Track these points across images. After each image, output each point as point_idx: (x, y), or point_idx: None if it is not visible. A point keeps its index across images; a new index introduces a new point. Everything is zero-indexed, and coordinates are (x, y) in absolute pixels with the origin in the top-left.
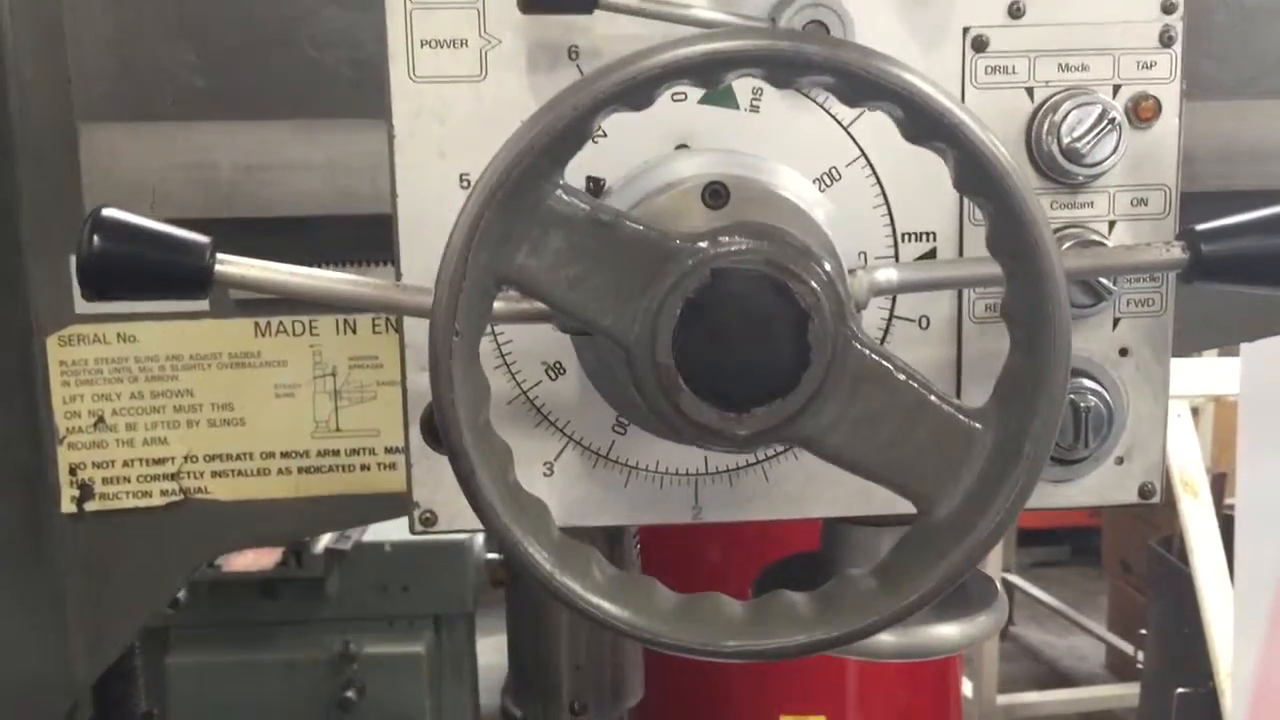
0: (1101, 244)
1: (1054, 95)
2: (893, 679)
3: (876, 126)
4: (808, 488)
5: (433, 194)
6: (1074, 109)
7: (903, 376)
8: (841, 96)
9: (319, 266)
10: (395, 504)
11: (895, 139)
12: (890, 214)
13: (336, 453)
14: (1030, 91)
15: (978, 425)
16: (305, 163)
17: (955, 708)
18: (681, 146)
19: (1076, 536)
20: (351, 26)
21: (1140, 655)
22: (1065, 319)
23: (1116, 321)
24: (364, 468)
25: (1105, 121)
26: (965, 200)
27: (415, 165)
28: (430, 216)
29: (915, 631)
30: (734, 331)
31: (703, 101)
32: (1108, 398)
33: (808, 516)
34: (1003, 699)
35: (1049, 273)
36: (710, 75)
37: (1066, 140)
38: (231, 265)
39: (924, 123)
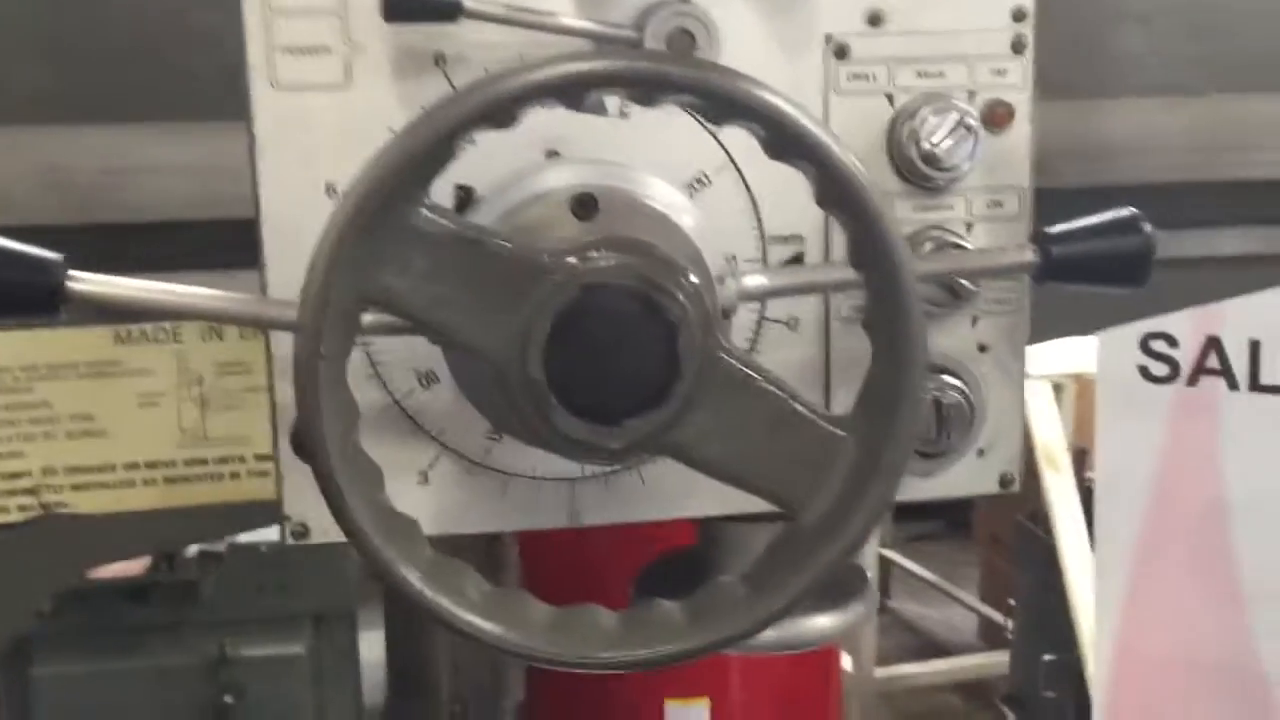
0: (961, 245)
1: (912, 101)
2: (775, 659)
3: (744, 133)
4: (683, 487)
5: (298, 203)
6: (931, 115)
7: (770, 386)
8: (706, 115)
9: (184, 271)
10: (267, 511)
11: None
12: (758, 218)
13: (204, 461)
14: (890, 98)
15: (842, 433)
16: (168, 166)
17: (835, 683)
18: (552, 153)
19: (949, 511)
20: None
21: (1010, 624)
22: (921, 332)
23: (975, 319)
24: (234, 475)
25: (961, 127)
26: None
27: (279, 174)
28: (296, 226)
29: (790, 624)
30: (604, 346)
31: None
32: (968, 393)
33: (684, 516)
34: (880, 672)
35: (905, 290)
36: (573, 95)
37: (925, 145)
38: (86, 283)
39: (786, 142)
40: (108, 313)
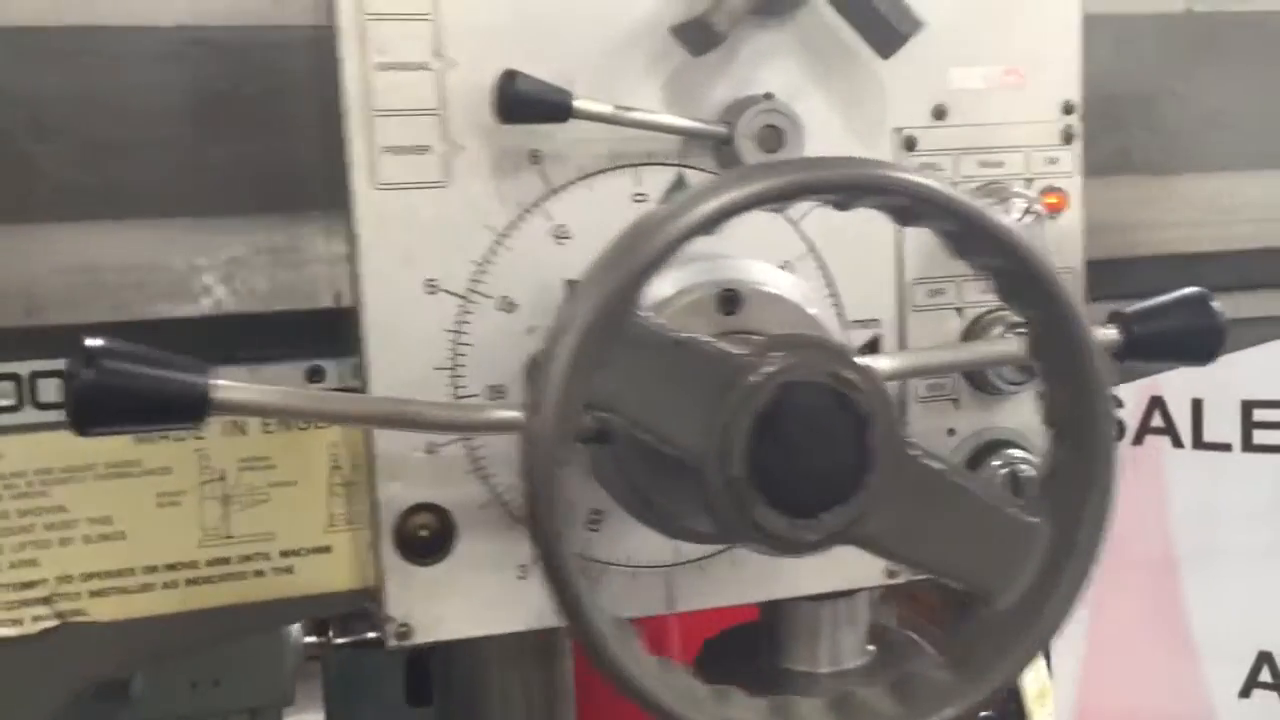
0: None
1: (977, 189)
2: None
3: (818, 220)
4: (771, 569)
5: (399, 300)
6: (998, 203)
7: (955, 477)
8: (902, 218)
9: None
10: (291, 609)
11: (835, 231)
12: (838, 303)
13: (227, 560)
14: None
15: (1033, 519)
16: None
17: None
18: None
19: None
20: None
21: None
22: (1111, 422)
23: (1040, 395)
24: (258, 574)
25: (1029, 214)
26: (903, 288)
27: (381, 271)
28: (397, 322)
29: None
30: (800, 442)
31: (665, 201)
32: (1035, 463)
33: (772, 598)
34: None
35: (1097, 382)
36: (787, 202)
37: None
38: (231, 391)
39: (980, 242)
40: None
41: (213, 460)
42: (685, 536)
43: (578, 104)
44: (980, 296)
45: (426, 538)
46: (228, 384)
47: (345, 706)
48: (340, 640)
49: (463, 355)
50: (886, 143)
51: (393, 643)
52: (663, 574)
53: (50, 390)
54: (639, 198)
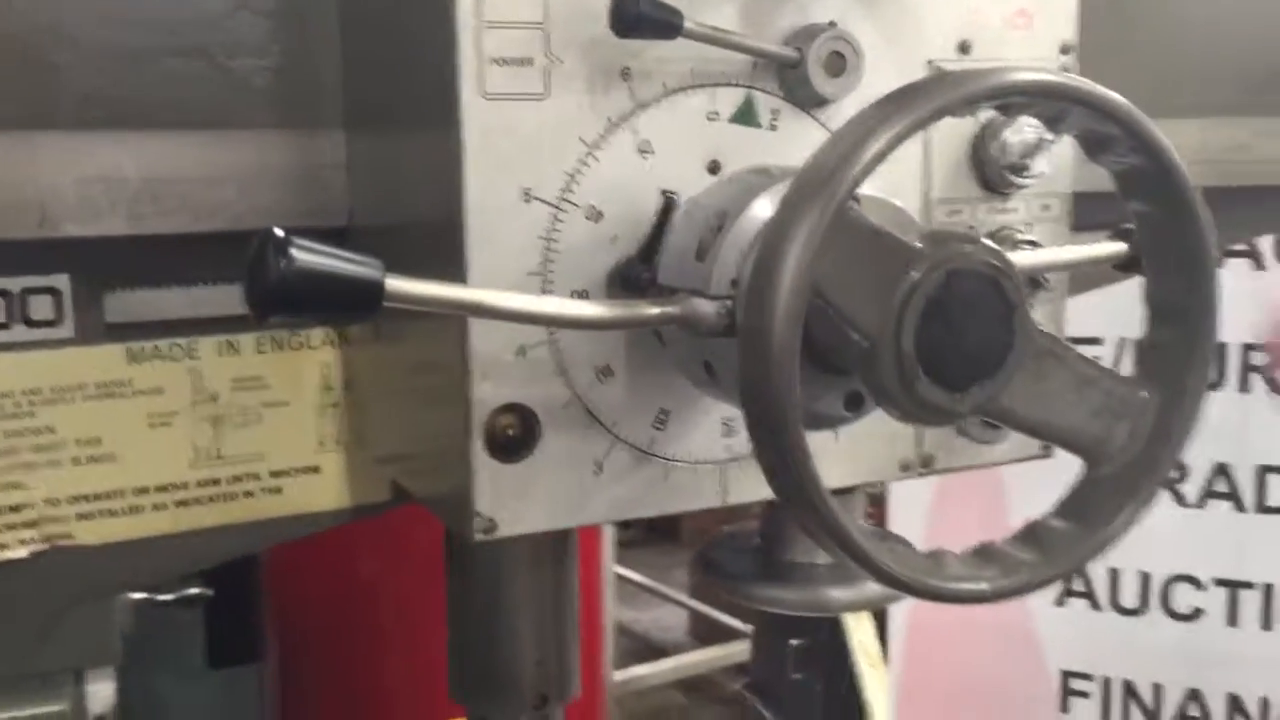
0: (1031, 242)
1: (993, 120)
2: None
3: None
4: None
5: (498, 207)
6: (1015, 132)
7: (1075, 358)
8: (1053, 124)
9: None
10: (279, 529)
11: None
12: None
13: (217, 481)
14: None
15: (1143, 393)
16: None
17: (600, 690)
18: (715, 164)
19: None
20: None
21: (724, 618)
22: (1217, 306)
23: (1033, 305)
24: (248, 494)
25: (1043, 141)
26: (928, 206)
27: (483, 180)
28: (496, 228)
29: (864, 587)
30: (960, 323)
31: (732, 120)
32: None
33: None
34: (618, 675)
35: (1212, 269)
36: (1015, 107)
37: (1014, 158)
38: (406, 285)
39: (1127, 143)
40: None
41: (206, 380)
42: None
43: (686, 24)
44: (988, 216)
45: (513, 436)
46: (401, 278)
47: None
48: (164, 598)
49: (552, 261)
50: (920, 72)
51: (479, 536)
52: (718, 470)
53: (44, 307)
54: (712, 115)
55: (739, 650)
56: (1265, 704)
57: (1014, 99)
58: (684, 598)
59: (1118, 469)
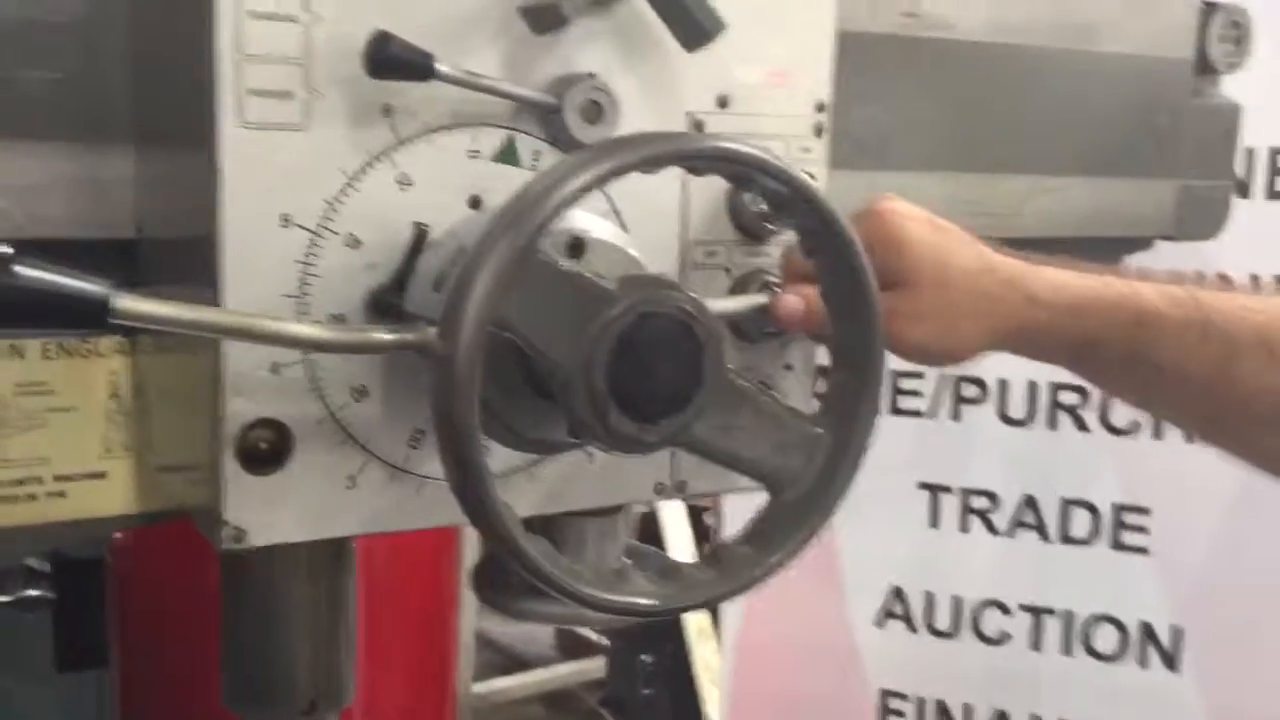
0: (774, 286)
1: None
2: (397, 680)
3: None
4: (561, 486)
5: (256, 232)
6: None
7: (760, 395)
8: (739, 182)
9: None
10: (63, 532)
11: (630, 194)
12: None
13: None
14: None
15: (819, 430)
16: None
17: (452, 702)
18: (476, 200)
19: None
20: None
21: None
22: (883, 357)
23: (784, 344)
24: (30, 497)
25: None
26: (685, 247)
27: (240, 205)
28: (253, 252)
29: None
30: (650, 361)
31: (494, 159)
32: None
33: (561, 509)
34: (478, 687)
35: (876, 319)
36: (690, 166)
37: (765, 206)
38: (135, 303)
39: (797, 206)
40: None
41: None
42: (528, 447)
43: (438, 67)
44: (743, 260)
45: (265, 450)
46: (133, 297)
47: None
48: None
49: (309, 285)
50: (680, 124)
51: (228, 545)
52: None
53: None
54: (473, 154)
55: (602, 665)
56: None
57: (697, 162)
58: None
59: (796, 498)
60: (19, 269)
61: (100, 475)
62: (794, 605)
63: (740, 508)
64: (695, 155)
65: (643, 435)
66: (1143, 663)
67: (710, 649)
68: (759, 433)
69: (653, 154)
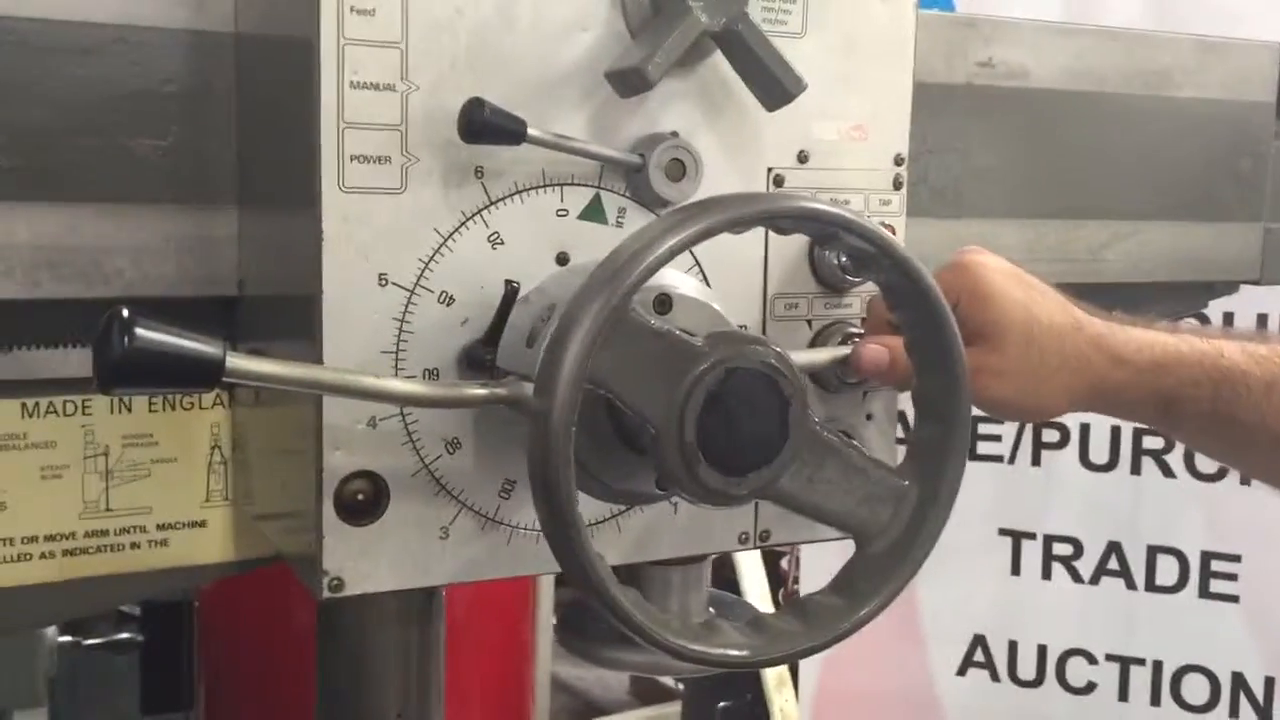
0: (855, 337)
1: None
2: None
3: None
4: (645, 534)
5: (354, 291)
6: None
7: (847, 448)
8: (822, 240)
9: None
10: (165, 579)
11: (713, 250)
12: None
13: (105, 533)
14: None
15: (905, 482)
16: None
17: None
18: (563, 256)
19: None
20: None
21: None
22: (969, 404)
23: (865, 394)
24: (134, 546)
25: None
26: (766, 301)
27: (341, 265)
28: (351, 310)
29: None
30: (737, 415)
31: (580, 217)
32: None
33: (647, 559)
34: None
35: (963, 373)
36: (784, 227)
37: (845, 258)
38: (245, 362)
39: (882, 261)
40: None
41: (97, 436)
42: (617, 499)
43: (531, 132)
44: (824, 311)
45: (362, 501)
46: (243, 356)
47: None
48: (90, 642)
49: (405, 341)
50: (761, 180)
51: (326, 594)
52: None
53: None
54: (561, 212)
55: (676, 712)
56: None
57: (782, 222)
58: None
59: (883, 549)
60: (140, 330)
61: (200, 524)
62: (874, 654)
63: (818, 552)
64: (781, 215)
65: (730, 489)
66: (1235, 713)
67: (788, 697)
68: (845, 485)
69: (740, 215)
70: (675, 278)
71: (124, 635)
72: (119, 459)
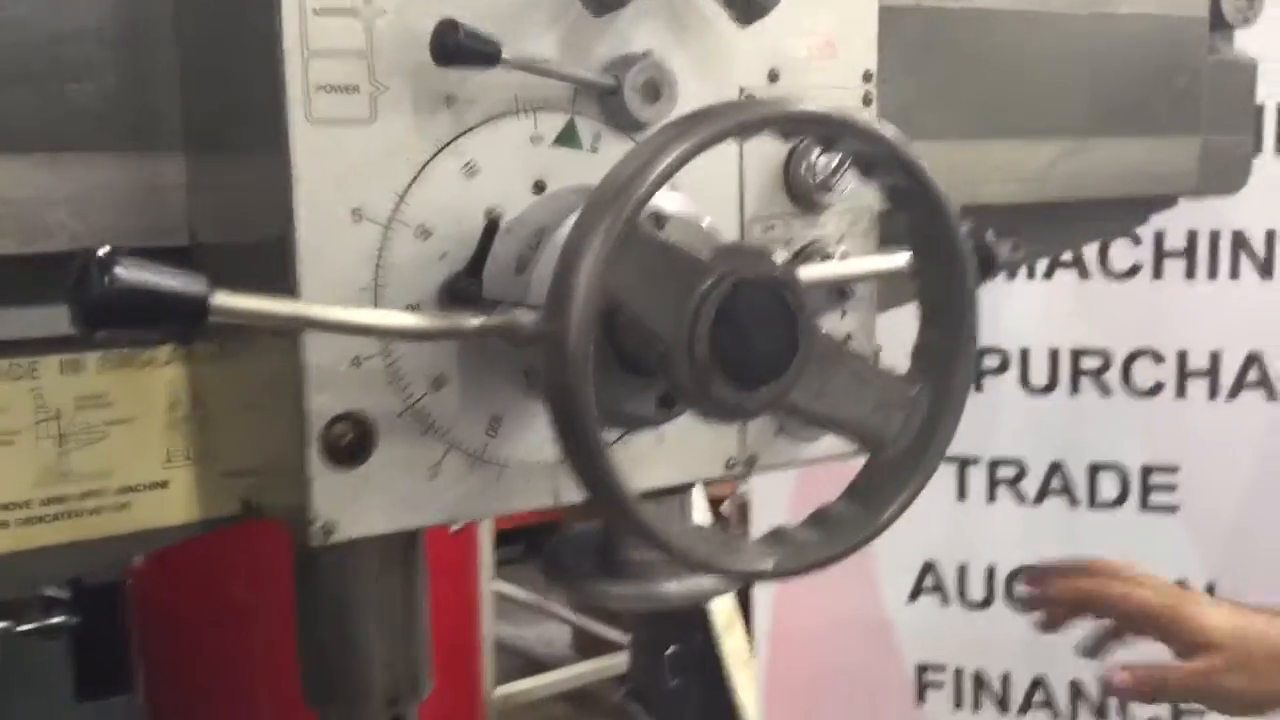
0: (831, 257)
1: (803, 141)
2: None
3: None
4: (634, 466)
5: (328, 228)
6: (821, 154)
7: (856, 359)
8: (826, 144)
9: None
10: (127, 544)
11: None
12: None
13: (63, 499)
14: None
15: (915, 388)
16: None
17: (480, 705)
18: (540, 184)
19: (530, 534)
20: None
21: (609, 632)
22: (975, 305)
23: (844, 314)
24: (94, 511)
25: (847, 163)
26: (743, 224)
27: (313, 201)
28: (326, 249)
29: (696, 580)
30: (747, 328)
31: (555, 143)
32: None
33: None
34: (501, 689)
35: (969, 273)
36: (791, 132)
37: (821, 177)
38: (227, 298)
39: (887, 164)
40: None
41: (47, 399)
42: (614, 422)
43: (504, 55)
44: (802, 232)
45: (349, 444)
46: (228, 294)
47: (6, 699)
48: (23, 628)
49: (384, 278)
50: (733, 98)
51: (319, 540)
52: (549, 472)
53: None
54: (536, 139)
55: (621, 662)
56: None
57: (788, 125)
58: (566, 612)
59: (895, 457)
60: (120, 270)
61: (163, 485)
62: (825, 588)
63: (771, 495)
64: (789, 119)
65: (744, 402)
66: None
67: (738, 636)
68: (855, 394)
69: (751, 118)
70: (667, 197)
71: (56, 619)
72: (72, 421)
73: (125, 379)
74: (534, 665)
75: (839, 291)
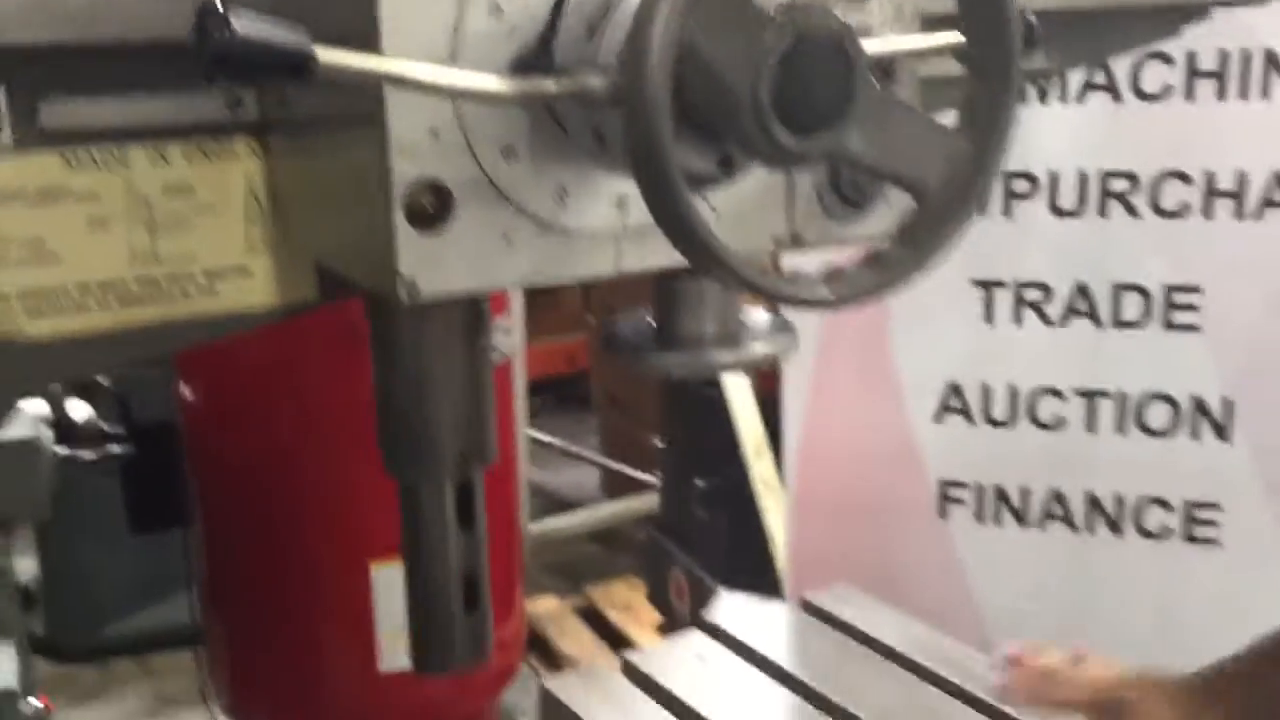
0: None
1: None
2: None
3: None
4: None
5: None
6: None
7: (909, 109)
8: None
9: None
10: (213, 325)
11: None
12: None
13: (155, 281)
14: None
15: (959, 135)
16: None
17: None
18: None
19: (558, 386)
20: None
21: (637, 474)
22: (1019, 65)
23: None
24: (184, 294)
25: None
26: None
27: None
28: (407, 20)
29: (744, 348)
30: (809, 76)
31: None
32: None
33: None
34: (533, 527)
35: (1014, 28)
36: None
37: None
38: (331, 54)
39: None
40: (55, 135)
41: (138, 187)
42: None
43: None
44: (846, 16)
45: (430, 210)
46: (328, 48)
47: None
48: (87, 455)
49: (458, 53)
50: None
51: (404, 298)
52: (612, 241)
53: None
54: None
55: (649, 502)
56: (1119, 500)
57: None
58: (595, 456)
59: (942, 202)
60: (235, 21)
61: (245, 270)
62: (853, 409)
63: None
64: None
65: (804, 148)
66: (1196, 435)
67: (767, 464)
68: (907, 143)
69: None
70: None
71: (115, 449)
72: (160, 209)
73: (207, 171)
74: (565, 507)
75: (883, 72)
